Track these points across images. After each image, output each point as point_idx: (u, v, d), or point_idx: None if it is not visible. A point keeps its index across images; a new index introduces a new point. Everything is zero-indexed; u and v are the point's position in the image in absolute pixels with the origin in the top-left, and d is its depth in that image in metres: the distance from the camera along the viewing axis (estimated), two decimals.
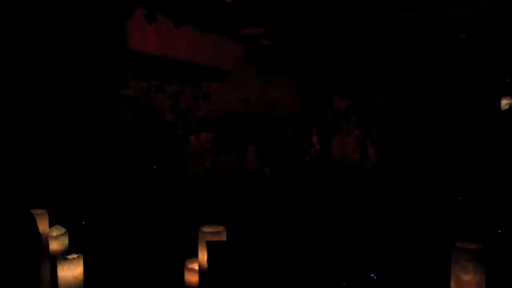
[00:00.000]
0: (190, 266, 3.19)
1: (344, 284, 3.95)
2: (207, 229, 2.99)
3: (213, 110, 10.46)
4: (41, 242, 3.21)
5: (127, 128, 7.20)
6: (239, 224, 3.89)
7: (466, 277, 2.41)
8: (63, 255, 3.18)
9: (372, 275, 4.13)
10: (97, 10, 6.19)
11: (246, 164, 7.98)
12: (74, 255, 3.12)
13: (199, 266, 3.00)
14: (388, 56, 9.93)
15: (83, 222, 4.89)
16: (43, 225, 3.33)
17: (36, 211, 3.32)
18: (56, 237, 3.42)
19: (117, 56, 6.88)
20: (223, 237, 2.97)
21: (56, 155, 5.45)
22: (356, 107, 8.97)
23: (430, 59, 9.31)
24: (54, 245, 3.40)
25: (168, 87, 9.64)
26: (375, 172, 7.20)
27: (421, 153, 6.96)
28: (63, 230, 3.49)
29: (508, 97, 7.35)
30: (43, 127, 5.39)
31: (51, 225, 3.44)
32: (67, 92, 5.79)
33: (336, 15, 8.39)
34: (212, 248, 2.81)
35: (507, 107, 7.18)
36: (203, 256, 2.91)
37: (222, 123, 9.38)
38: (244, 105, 10.94)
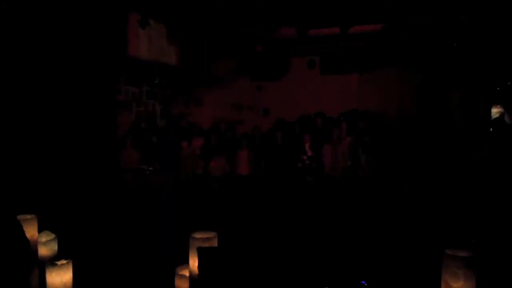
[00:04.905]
0: (181, 272, 3.16)
1: None
2: (198, 235, 2.97)
3: (205, 116, 10.45)
4: (29, 249, 3.17)
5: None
6: (230, 230, 3.88)
7: (456, 284, 2.42)
8: (52, 261, 3.14)
9: (363, 282, 4.13)
10: (94, 16, 6.18)
11: (238, 169, 7.96)
12: (63, 261, 3.09)
13: (190, 273, 2.98)
14: (380, 64, 10.01)
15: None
16: (32, 231, 3.29)
17: (25, 217, 3.29)
18: (45, 243, 3.39)
19: (113, 61, 6.88)
20: (214, 243, 2.95)
21: (46, 161, 5.41)
22: (348, 114, 9.01)
23: (422, 67, 9.40)
24: (43, 251, 3.37)
25: (160, 92, 9.63)
26: (367, 180, 7.22)
27: (412, 160, 7.00)
28: (52, 235, 3.46)
29: (498, 106, 7.41)
30: (33, 132, 5.35)
31: (40, 231, 3.41)
32: (59, 97, 5.76)
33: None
34: (203, 254, 2.79)
35: (497, 115, 7.23)
36: (194, 262, 2.90)
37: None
38: (237, 111, 10.96)
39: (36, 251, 3.31)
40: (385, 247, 4.93)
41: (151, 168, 6.82)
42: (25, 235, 3.10)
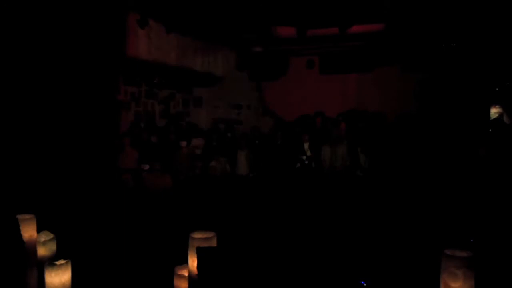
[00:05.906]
0: (180, 272, 3.16)
1: None
2: (197, 235, 2.97)
3: (204, 116, 10.47)
4: (25, 248, 3.16)
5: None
6: (229, 230, 3.88)
7: (455, 284, 2.42)
8: (50, 261, 3.13)
9: (362, 282, 4.13)
10: (93, 15, 6.18)
11: (237, 169, 7.96)
12: (62, 261, 3.08)
13: (189, 273, 2.98)
14: (380, 64, 10.02)
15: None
16: (31, 230, 3.29)
17: (24, 216, 3.28)
18: (44, 243, 3.38)
19: (112, 61, 6.87)
20: (213, 243, 2.95)
21: (45, 161, 5.40)
22: (347, 114, 9.02)
23: (421, 68, 9.40)
24: (42, 251, 3.36)
25: (159, 92, 9.64)
26: (366, 180, 7.22)
27: (412, 160, 7.00)
28: (51, 235, 3.45)
29: (497, 106, 7.41)
30: (33, 132, 5.35)
31: (39, 231, 3.40)
32: (58, 96, 5.75)
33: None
34: (202, 254, 2.79)
35: (496, 115, 7.24)
36: (193, 262, 2.89)
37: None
38: (236, 111, 10.98)
39: (35, 251, 3.31)
40: (384, 247, 4.93)
41: (147, 167, 6.82)
42: (21, 235, 3.10)
